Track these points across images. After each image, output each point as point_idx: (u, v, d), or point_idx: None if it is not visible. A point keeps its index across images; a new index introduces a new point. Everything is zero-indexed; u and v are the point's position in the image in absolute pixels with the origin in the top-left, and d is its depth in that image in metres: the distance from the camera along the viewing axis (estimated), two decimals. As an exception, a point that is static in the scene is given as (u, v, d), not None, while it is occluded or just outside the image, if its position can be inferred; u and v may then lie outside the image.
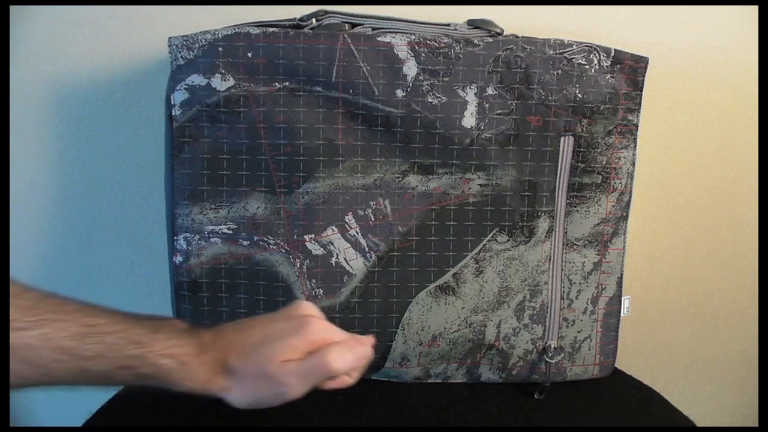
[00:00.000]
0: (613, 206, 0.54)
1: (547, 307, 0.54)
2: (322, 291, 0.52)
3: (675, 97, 0.66)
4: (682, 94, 0.66)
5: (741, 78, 0.65)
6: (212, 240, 0.51)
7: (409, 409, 0.52)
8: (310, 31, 0.48)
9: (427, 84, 0.49)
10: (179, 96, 0.49)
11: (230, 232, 0.51)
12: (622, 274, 0.56)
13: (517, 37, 0.51)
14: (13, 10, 0.59)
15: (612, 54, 0.51)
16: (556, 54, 0.50)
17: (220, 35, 0.48)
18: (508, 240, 0.53)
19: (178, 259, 0.52)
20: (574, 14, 0.62)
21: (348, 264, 0.52)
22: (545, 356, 0.55)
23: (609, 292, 0.56)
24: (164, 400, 0.52)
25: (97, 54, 0.63)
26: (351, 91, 0.49)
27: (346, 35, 0.48)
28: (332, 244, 0.51)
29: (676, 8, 0.63)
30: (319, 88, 0.49)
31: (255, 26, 0.49)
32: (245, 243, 0.51)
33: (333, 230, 0.51)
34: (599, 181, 0.53)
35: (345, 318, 0.52)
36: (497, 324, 0.54)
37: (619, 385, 0.58)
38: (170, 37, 0.48)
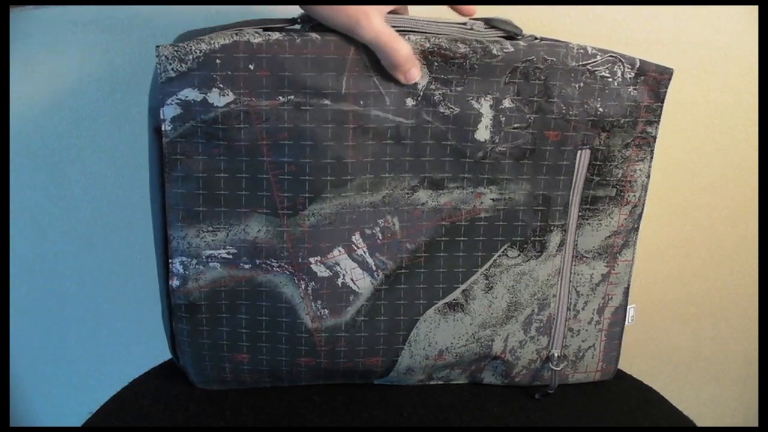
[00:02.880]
0: (626, 219, 0.53)
1: (554, 319, 0.54)
2: (327, 311, 0.49)
3: (675, 97, 0.66)
4: (682, 94, 0.66)
5: (741, 78, 0.65)
6: (211, 265, 0.48)
7: (408, 409, 0.52)
8: (318, 37, 0.44)
9: (439, 93, 0.46)
10: (170, 111, 0.44)
11: (230, 256, 0.48)
12: (629, 285, 0.55)
13: (536, 38, 0.49)
14: (13, 10, 0.59)
15: (637, 66, 0.49)
16: (578, 66, 0.48)
17: (216, 45, 0.43)
18: (519, 255, 0.51)
19: (175, 282, 0.48)
20: (574, 14, 0.62)
21: (354, 284, 0.49)
22: (550, 364, 0.54)
23: (615, 302, 0.55)
24: (164, 400, 0.52)
25: (97, 54, 0.63)
26: (362, 102, 0.45)
27: (356, 45, 0.45)
28: (338, 265, 0.49)
29: (676, 8, 0.63)
30: (327, 102, 0.45)
31: (255, 32, 0.45)
32: (247, 266, 0.48)
33: (339, 251, 0.48)
34: (613, 194, 0.52)
35: (351, 336, 0.50)
36: (505, 338, 0.53)
37: (619, 385, 0.58)
38: (158, 47, 0.43)
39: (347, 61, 0.44)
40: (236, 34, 0.43)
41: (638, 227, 0.54)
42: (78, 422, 0.52)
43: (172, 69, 0.43)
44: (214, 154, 0.45)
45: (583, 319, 0.54)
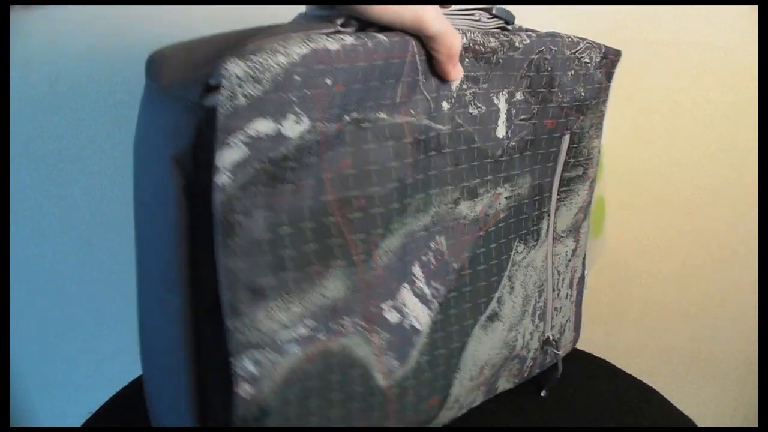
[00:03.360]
0: (587, 194, 0.54)
1: (546, 302, 0.55)
2: (396, 362, 0.42)
3: (675, 97, 0.66)
4: (682, 94, 0.66)
5: (741, 78, 0.65)
6: (288, 350, 0.36)
7: (409, 409, 0.52)
8: (386, 39, 0.37)
9: (470, 93, 0.42)
10: (232, 154, 0.32)
11: (308, 331, 0.37)
12: (585, 253, 0.57)
13: (523, 29, 0.49)
14: (13, 10, 0.59)
15: (603, 50, 0.50)
16: (571, 54, 0.48)
17: (296, 57, 0.33)
18: (524, 248, 0.50)
19: (246, 390, 0.35)
20: (574, 14, 0.62)
21: (418, 321, 0.43)
22: (550, 348, 0.55)
23: (579, 273, 0.57)
24: (164, 400, 0.52)
25: (97, 54, 0.63)
26: (412, 111, 0.39)
27: (414, 43, 0.38)
28: (405, 305, 0.42)
29: (675, 8, 0.63)
30: (383, 115, 0.38)
31: (326, 36, 0.36)
32: (323, 337, 0.38)
33: (405, 288, 0.42)
34: (581, 173, 0.53)
35: (417, 382, 0.44)
36: (523, 334, 0.52)
37: (619, 385, 0.58)
38: (224, 66, 0.30)
39: (405, 64, 0.38)
40: (309, 40, 0.34)
41: (592, 200, 0.56)
42: (78, 422, 0.52)
43: (244, 94, 0.31)
44: (277, 204, 0.34)
45: (563, 296, 0.55)
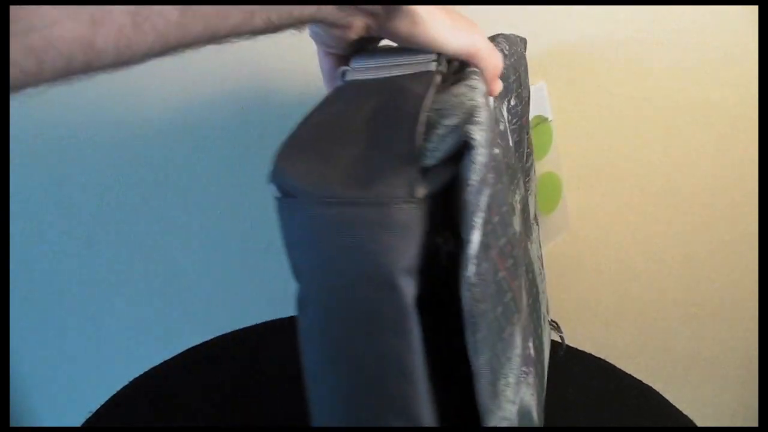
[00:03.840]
0: (533, 174, 0.54)
1: (544, 289, 0.55)
2: (536, 397, 0.40)
3: (675, 97, 0.66)
4: (682, 94, 0.66)
5: (741, 78, 0.65)
6: (514, 419, 0.34)
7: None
8: None
9: (497, 110, 0.40)
10: (477, 237, 0.27)
11: (514, 396, 0.35)
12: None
13: (502, 35, 0.48)
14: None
15: (522, 40, 0.51)
16: (522, 51, 0.49)
17: (486, 110, 0.29)
18: (532, 242, 0.50)
19: None
20: (574, 13, 0.62)
21: (533, 349, 0.41)
22: (558, 332, 0.55)
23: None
24: (164, 400, 0.52)
25: (97, 54, 0.63)
26: (498, 140, 0.35)
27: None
28: (533, 331, 0.41)
29: (676, 8, 0.63)
30: (497, 151, 0.33)
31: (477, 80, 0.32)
32: (518, 398, 0.36)
33: (533, 313, 0.41)
34: (532, 160, 0.53)
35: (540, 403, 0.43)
36: (545, 332, 0.52)
37: (619, 385, 0.58)
38: (471, 136, 0.26)
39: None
40: (471, 87, 0.30)
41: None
42: (78, 422, 0.52)
43: (484, 164, 0.27)
44: (490, 280, 0.30)
45: (545, 276, 0.55)
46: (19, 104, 0.68)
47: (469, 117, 0.26)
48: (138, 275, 0.72)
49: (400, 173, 0.26)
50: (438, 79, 0.32)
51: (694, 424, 0.54)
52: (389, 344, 0.27)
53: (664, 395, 0.58)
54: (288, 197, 0.27)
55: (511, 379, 0.33)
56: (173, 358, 0.59)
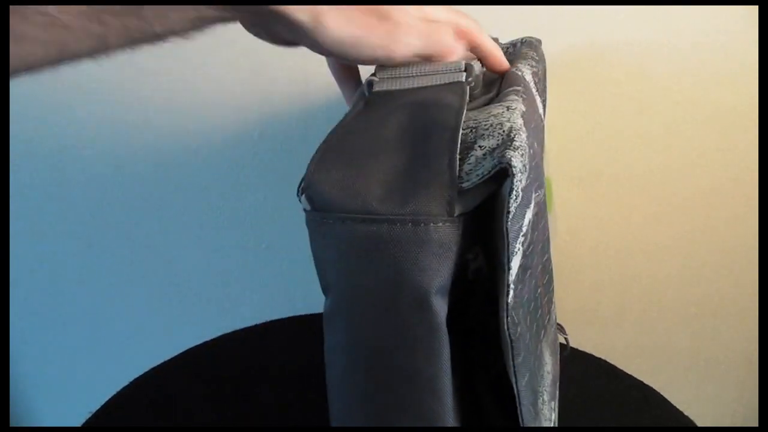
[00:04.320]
0: None
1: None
2: (553, 410, 0.39)
3: (675, 97, 0.66)
4: (682, 94, 0.66)
5: (741, 78, 0.65)
6: None
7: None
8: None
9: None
10: (516, 262, 0.27)
11: (555, 414, 0.34)
12: None
13: (526, 43, 0.48)
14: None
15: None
16: (542, 53, 0.49)
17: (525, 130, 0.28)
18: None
19: None
20: (574, 13, 0.62)
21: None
22: (562, 334, 0.54)
23: None
24: (164, 400, 0.52)
25: (97, 54, 0.63)
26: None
27: None
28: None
29: (676, 8, 0.63)
30: (536, 162, 0.32)
31: (516, 97, 0.31)
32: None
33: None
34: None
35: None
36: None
37: (619, 385, 0.58)
38: (510, 161, 0.25)
39: None
40: (507, 101, 0.29)
41: None
42: (78, 422, 0.52)
43: (522, 189, 0.26)
44: (529, 298, 0.29)
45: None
46: (19, 104, 0.69)
47: (508, 140, 0.25)
48: (138, 275, 0.72)
49: (438, 191, 0.25)
50: (468, 90, 0.31)
51: (694, 424, 0.54)
52: (420, 363, 0.26)
53: (664, 395, 0.58)
54: (319, 211, 0.26)
55: (546, 397, 0.32)
56: (173, 358, 0.59)
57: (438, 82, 0.31)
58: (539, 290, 0.31)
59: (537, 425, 0.30)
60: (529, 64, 0.38)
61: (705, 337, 0.76)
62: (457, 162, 0.25)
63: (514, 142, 0.25)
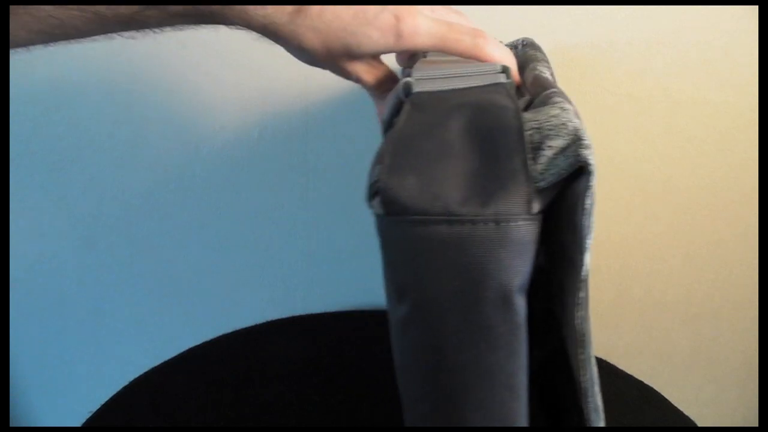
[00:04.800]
0: None
1: None
2: None
3: (675, 97, 0.66)
4: (682, 94, 0.66)
5: (741, 78, 0.65)
6: None
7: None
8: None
9: None
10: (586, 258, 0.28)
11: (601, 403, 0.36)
12: None
13: (529, 45, 0.49)
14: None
15: None
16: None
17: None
18: None
19: None
20: (574, 13, 0.62)
21: None
22: None
23: None
24: (164, 400, 0.52)
25: (97, 54, 0.63)
26: None
27: None
28: None
29: (676, 8, 0.63)
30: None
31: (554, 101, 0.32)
32: None
33: None
34: None
35: None
36: None
37: (619, 385, 0.58)
38: (583, 153, 0.26)
39: None
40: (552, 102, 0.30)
41: None
42: (78, 422, 0.52)
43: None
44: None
45: None
46: (19, 104, 0.68)
47: (578, 140, 0.26)
48: (138, 275, 0.72)
49: (517, 189, 0.25)
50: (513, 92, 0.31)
51: (694, 424, 0.54)
52: (501, 362, 0.26)
53: (664, 395, 0.58)
54: (396, 215, 0.25)
55: (597, 388, 0.33)
56: (173, 358, 0.59)
57: (479, 83, 0.32)
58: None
59: (598, 418, 0.31)
60: (545, 66, 0.38)
61: (705, 337, 0.76)
62: (528, 161, 0.26)
63: (584, 141, 0.26)
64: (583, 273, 0.27)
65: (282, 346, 0.63)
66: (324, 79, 0.60)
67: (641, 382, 0.59)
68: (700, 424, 0.55)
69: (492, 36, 0.36)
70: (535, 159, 0.26)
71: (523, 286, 0.26)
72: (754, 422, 0.78)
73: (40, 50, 0.63)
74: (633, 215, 0.70)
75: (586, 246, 0.27)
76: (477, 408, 0.27)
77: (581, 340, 0.28)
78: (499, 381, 0.27)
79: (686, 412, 0.55)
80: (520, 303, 0.26)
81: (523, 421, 0.28)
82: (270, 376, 0.57)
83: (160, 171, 0.69)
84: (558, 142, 0.26)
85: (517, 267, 0.25)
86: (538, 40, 0.51)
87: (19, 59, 0.63)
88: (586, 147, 0.26)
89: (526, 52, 0.43)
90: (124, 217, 0.69)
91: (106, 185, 0.68)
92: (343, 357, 0.60)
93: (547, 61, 0.41)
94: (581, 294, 0.27)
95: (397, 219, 0.25)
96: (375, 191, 0.26)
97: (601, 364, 0.61)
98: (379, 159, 0.27)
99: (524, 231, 0.25)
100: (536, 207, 0.25)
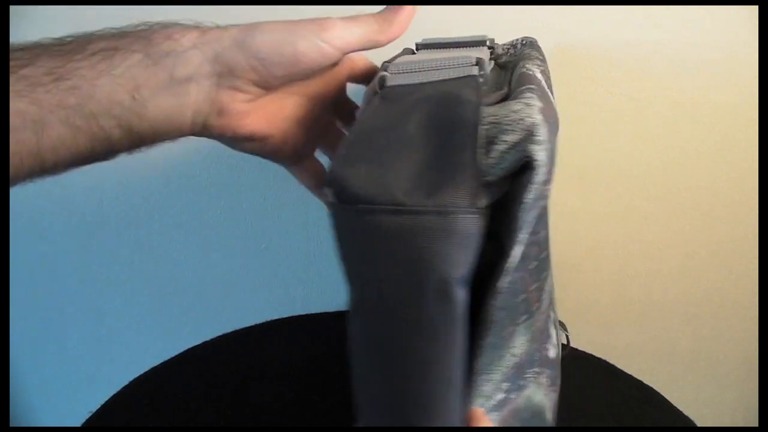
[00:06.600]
0: None
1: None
2: (555, 394, 0.41)
3: (675, 97, 0.66)
4: (683, 94, 0.66)
5: (741, 78, 0.65)
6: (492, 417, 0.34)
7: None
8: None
9: None
10: (518, 251, 0.29)
11: (503, 395, 0.34)
12: None
13: (529, 44, 0.48)
14: (13, 10, 0.59)
15: None
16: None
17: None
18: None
19: None
20: (573, 13, 0.62)
21: (556, 347, 0.41)
22: (564, 331, 0.54)
23: None
24: (164, 400, 0.52)
25: (97, 54, 0.63)
26: None
27: None
28: (552, 335, 0.40)
29: (676, 8, 0.63)
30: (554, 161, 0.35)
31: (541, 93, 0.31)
32: (513, 396, 0.35)
33: (550, 319, 0.39)
34: None
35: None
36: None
37: (619, 385, 0.58)
38: (534, 145, 0.26)
39: None
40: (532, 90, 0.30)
41: None
42: (78, 422, 0.52)
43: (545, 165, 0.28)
44: (517, 289, 0.31)
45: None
46: (19, 104, 0.67)
47: (530, 135, 0.26)
48: (138, 275, 0.72)
49: (463, 182, 0.25)
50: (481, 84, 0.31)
51: (694, 424, 0.54)
52: (438, 353, 0.27)
53: (664, 395, 0.58)
54: (345, 203, 0.26)
55: (496, 376, 0.33)
56: (173, 358, 0.59)
57: (450, 76, 0.32)
58: (526, 277, 0.32)
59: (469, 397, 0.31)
60: (536, 64, 0.38)
61: (705, 337, 0.76)
62: (479, 156, 0.26)
63: (537, 137, 0.26)
64: (508, 263, 0.27)
65: (282, 346, 0.63)
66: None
67: (641, 382, 0.60)
68: (700, 424, 0.55)
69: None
70: (487, 153, 0.26)
71: (465, 279, 0.26)
72: (754, 422, 0.79)
73: (40, 50, 0.63)
74: (632, 215, 0.70)
75: (518, 239, 0.27)
76: (415, 397, 0.28)
77: (485, 327, 0.29)
78: (437, 372, 0.27)
79: (686, 412, 0.55)
80: (461, 295, 0.26)
81: (457, 410, 0.28)
82: (270, 376, 0.57)
83: (159, 170, 0.69)
84: (511, 137, 0.26)
85: (460, 259, 0.25)
86: (538, 40, 0.51)
87: (19, 59, 0.63)
88: (537, 143, 0.26)
89: (523, 50, 0.43)
90: (124, 217, 0.69)
91: (106, 185, 0.68)
92: (343, 357, 0.60)
93: (541, 60, 0.41)
94: (500, 284, 0.28)
95: (346, 207, 0.26)
96: (328, 180, 0.26)
97: (601, 364, 0.61)
98: (338, 149, 0.28)
99: (468, 223, 0.25)
100: (482, 201, 0.25)
